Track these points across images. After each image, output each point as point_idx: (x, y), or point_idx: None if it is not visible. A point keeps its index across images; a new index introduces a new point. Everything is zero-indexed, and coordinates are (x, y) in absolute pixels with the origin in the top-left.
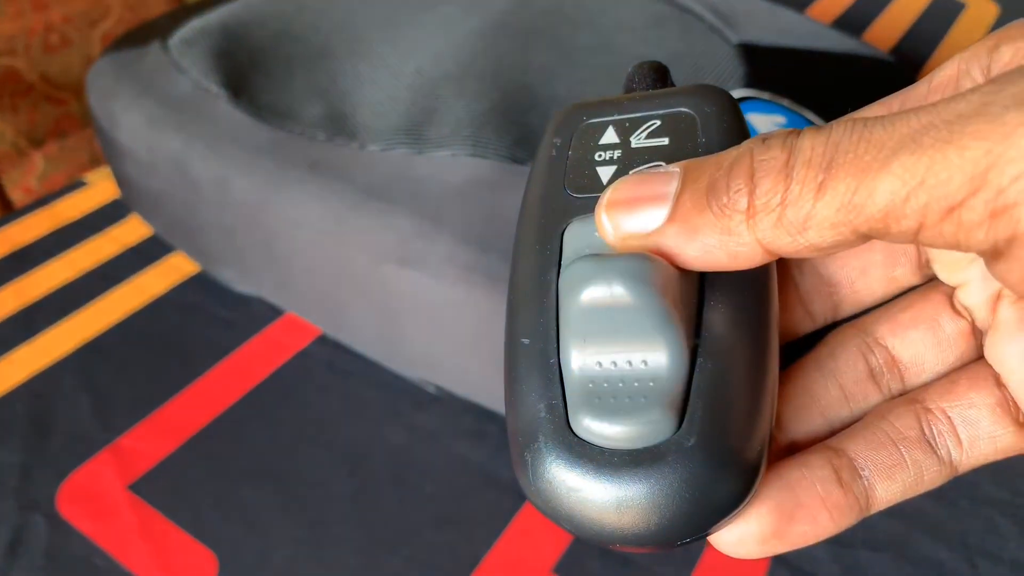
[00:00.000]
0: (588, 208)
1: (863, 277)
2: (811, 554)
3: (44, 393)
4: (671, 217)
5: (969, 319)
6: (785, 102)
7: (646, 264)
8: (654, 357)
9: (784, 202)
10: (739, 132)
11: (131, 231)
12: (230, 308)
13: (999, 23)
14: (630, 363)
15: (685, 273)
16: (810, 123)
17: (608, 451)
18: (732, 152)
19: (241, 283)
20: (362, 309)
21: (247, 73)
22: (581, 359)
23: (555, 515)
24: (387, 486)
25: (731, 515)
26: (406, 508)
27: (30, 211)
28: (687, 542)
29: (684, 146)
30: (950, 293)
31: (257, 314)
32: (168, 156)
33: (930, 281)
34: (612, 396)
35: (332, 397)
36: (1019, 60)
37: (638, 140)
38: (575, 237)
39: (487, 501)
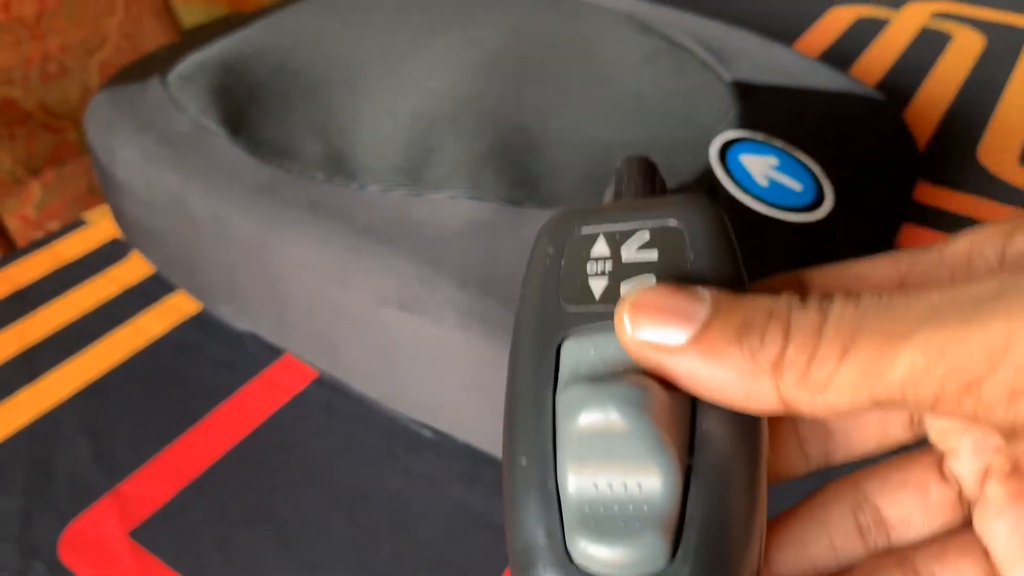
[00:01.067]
0: (582, 321)
1: (858, 429)
2: None
3: (45, 437)
4: (696, 340)
5: (956, 488)
6: (778, 143)
7: (641, 391)
8: (648, 481)
9: (811, 361)
10: (727, 248)
11: (131, 271)
12: (229, 349)
13: (985, 54)
14: (625, 486)
15: (678, 396)
16: (802, 164)
17: None
18: (769, 300)
19: (239, 320)
20: (360, 350)
21: (245, 109)
22: (578, 482)
23: None
24: (384, 530)
25: None
26: (403, 552)
27: (30, 251)
28: None
29: (673, 261)
30: (940, 459)
31: (255, 355)
32: (167, 193)
33: (923, 442)
34: (608, 519)
35: (330, 440)
36: None
37: (628, 253)
38: (572, 355)
39: (483, 546)
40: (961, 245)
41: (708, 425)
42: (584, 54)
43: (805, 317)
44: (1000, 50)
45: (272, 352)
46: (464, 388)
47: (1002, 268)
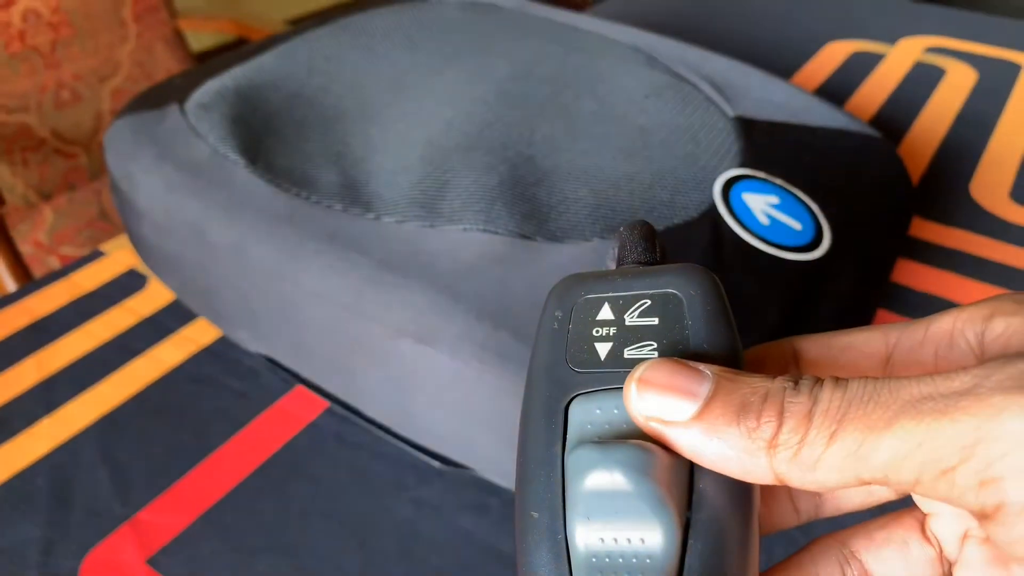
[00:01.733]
0: (589, 383)
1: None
2: None
3: (64, 466)
4: (699, 417)
5: (938, 547)
6: (778, 181)
7: (644, 454)
8: (650, 536)
9: (802, 443)
10: (722, 315)
11: (147, 302)
12: (243, 380)
13: (977, 88)
14: (629, 540)
15: (678, 457)
16: (802, 203)
17: None
18: (765, 383)
19: (256, 345)
20: (375, 379)
21: (262, 138)
22: (585, 536)
23: None
24: (394, 559)
25: None
26: None
27: (48, 282)
28: None
29: (673, 327)
30: (922, 520)
31: (269, 386)
32: (186, 221)
33: (906, 502)
34: (613, 570)
35: (341, 470)
36: (1009, 334)
37: (631, 318)
38: (579, 415)
39: (490, 573)
40: (944, 324)
41: (705, 484)
42: (592, 87)
43: (797, 401)
44: (992, 85)
45: (285, 384)
46: (477, 419)
47: (981, 351)
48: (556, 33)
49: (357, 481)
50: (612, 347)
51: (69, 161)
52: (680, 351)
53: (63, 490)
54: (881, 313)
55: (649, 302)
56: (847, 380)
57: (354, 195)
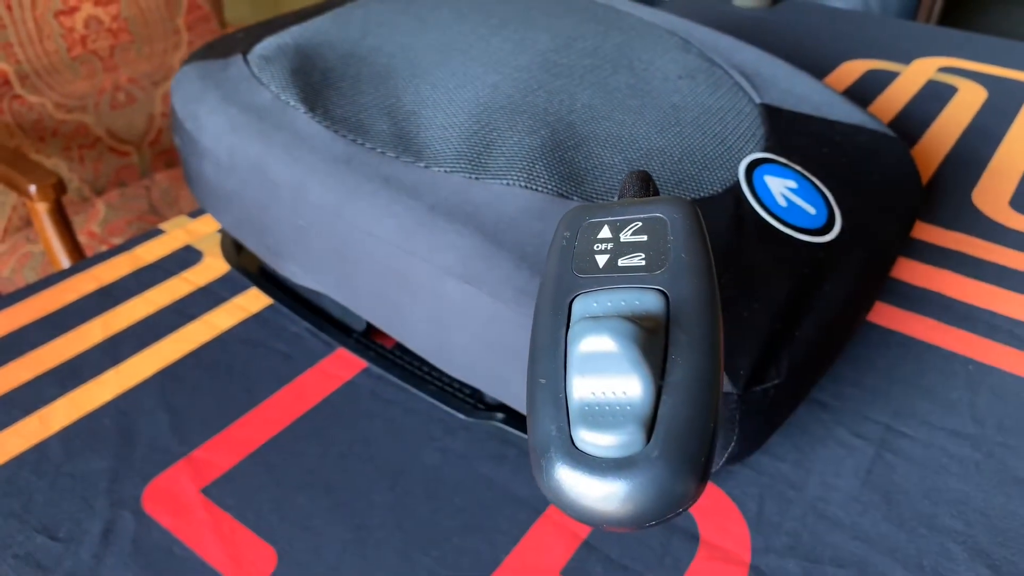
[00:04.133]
0: (589, 284)
1: None
2: (783, 568)
3: (128, 411)
4: None
5: None
6: (797, 167)
7: (628, 325)
8: (631, 389)
9: None
10: (698, 234)
11: (202, 274)
12: (288, 344)
13: (987, 105)
14: (615, 393)
15: (655, 335)
16: (817, 188)
17: (598, 459)
18: None
19: (304, 278)
20: (419, 314)
21: (320, 89)
22: (580, 389)
23: (561, 504)
24: (421, 498)
25: (681, 508)
26: (437, 517)
27: (114, 254)
28: (652, 525)
29: (658, 242)
30: None
31: (311, 349)
32: (248, 159)
33: None
34: (601, 415)
35: (375, 422)
36: None
37: (625, 236)
38: (580, 307)
39: (507, 514)
40: None
41: (676, 355)
42: (629, 63)
43: None
44: (1001, 103)
45: (326, 347)
46: (512, 356)
47: None
48: (595, 12)
49: (390, 432)
50: (609, 258)
51: (122, 159)
52: (663, 260)
53: (127, 430)
54: (879, 306)
55: (640, 223)
56: None
57: (406, 144)
